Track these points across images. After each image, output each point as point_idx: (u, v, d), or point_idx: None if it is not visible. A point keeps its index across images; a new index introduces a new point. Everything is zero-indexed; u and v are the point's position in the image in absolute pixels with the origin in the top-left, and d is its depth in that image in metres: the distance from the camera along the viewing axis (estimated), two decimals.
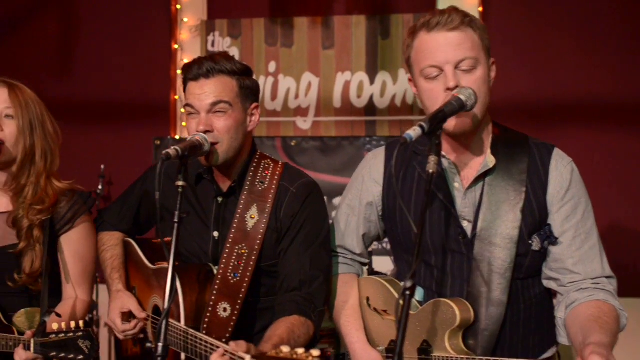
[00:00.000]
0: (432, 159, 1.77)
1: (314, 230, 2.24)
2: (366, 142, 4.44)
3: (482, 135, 2.06)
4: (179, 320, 2.10)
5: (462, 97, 1.89)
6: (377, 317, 2.16)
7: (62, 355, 2.13)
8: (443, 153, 2.05)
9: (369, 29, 4.46)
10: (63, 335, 2.13)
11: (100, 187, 4.58)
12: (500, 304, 1.99)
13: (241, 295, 2.17)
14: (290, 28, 4.55)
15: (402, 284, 1.67)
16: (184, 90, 2.28)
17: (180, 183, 2.01)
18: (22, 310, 2.41)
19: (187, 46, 4.69)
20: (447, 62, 1.94)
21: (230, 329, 2.14)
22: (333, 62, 4.51)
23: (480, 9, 4.34)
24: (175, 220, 1.97)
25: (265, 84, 4.58)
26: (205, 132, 2.17)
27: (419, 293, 2.10)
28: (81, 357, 2.11)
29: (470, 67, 1.95)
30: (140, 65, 4.72)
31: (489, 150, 2.05)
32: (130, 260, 2.51)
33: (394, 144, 2.21)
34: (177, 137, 4.66)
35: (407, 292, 1.63)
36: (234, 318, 2.15)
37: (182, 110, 4.68)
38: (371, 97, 4.47)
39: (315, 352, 1.51)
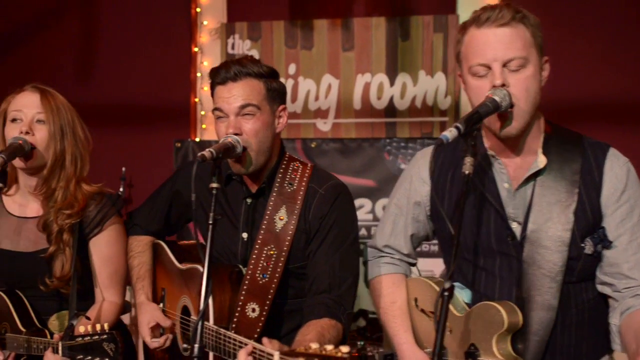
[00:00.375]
0: (468, 160, 1.76)
1: (343, 231, 2.24)
2: (386, 144, 4.45)
3: (532, 134, 1.99)
4: (208, 320, 2.11)
5: (497, 98, 1.87)
6: (425, 319, 2.12)
7: (88, 358, 2.14)
8: (492, 153, 2.00)
9: (389, 31, 4.47)
10: (89, 338, 2.15)
11: (121, 189, 4.61)
12: (551, 308, 1.94)
13: (270, 296, 2.18)
14: (310, 30, 4.56)
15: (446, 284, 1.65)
16: (212, 95, 2.29)
17: (215, 185, 2.02)
18: (55, 314, 2.43)
19: (207, 49, 4.71)
20: (495, 60, 1.89)
21: (258, 330, 2.14)
22: (353, 63, 4.52)
23: None
24: (210, 222, 1.97)
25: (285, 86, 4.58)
26: (235, 134, 2.17)
27: (466, 295, 2.06)
28: (106, 359, 2.13)
29: (519, 66, 1.89)
30: (161, 68, 4.75)
31: (540, 150, 1.99)
32: (160, 262, 2.53)
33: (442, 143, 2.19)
34: (197, 139, 4.68)
35: (446, 293, 1.63)
36: (262, 319, 2.16)
37: (202, 112, 4.71)
38: (391, 99, 4.47)
39: (344, 348, 1.51)
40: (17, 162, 2.31)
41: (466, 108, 4.44)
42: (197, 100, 4.71)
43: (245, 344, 1.93)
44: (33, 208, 2.44)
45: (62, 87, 5.19)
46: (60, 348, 2.18)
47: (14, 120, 2.36)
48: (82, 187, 2.42)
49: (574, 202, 1.95)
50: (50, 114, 2.36)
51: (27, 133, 2.32)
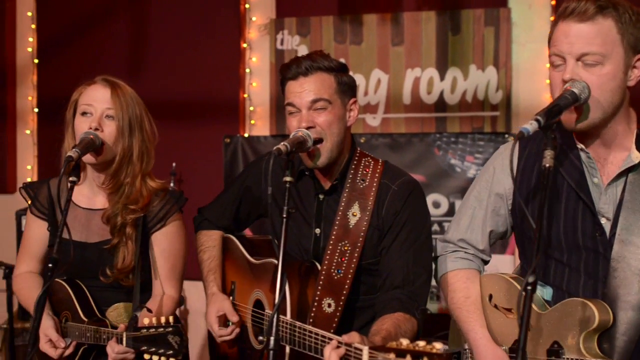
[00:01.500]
0: (549, 153, 1.74)
1: (417, 228, 2.25)
2: (436, 139, 4.42)
3: (623, 130, 1.97)
4: (285, 314, 2.13)
5: (576, 91, 1.84)
6: (500, 316, 2.09)
7: (152, 349, 2.15)
8: (581, 146, 1.98)
9: (439, 25, 4.43)
10: (154, 330, 2.16)
11: (171, 184, 4.66)
12: None
13: (344, 292, 2.19)
14: (359, 25, 4.54)
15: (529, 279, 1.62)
16: (283, 92, 2.32)
17: (288, 179, 2.04)
18: (115, 305, 2.46)
19: (256, 45, 4.73)
20: (570, 53, 1.88)
21: (334, 325, 2.16)
22: (402, 58, 4.49)
23: (553, 2, 4.28)
24: (284, 215, 1.99)
25: None
26: (308, 128, 2.20)
27: (547, 292, 2.03)
28: (170, 352, 2.13)
29: (595, 62, 1.86)
30: (210, 64, 4.77)
31: (633, 146, 1.96)
32: (230, 257, 2.55)
33: (528, 137, 2.15)
34: (245, 135, 4.70)
35: (529, 288, 1.61)
36: (337, 314, 2.18)
37: (251, 108, 4.73)
38: (441, 93, 4.44)
39: (438, 345, 1.48)
40: (87, 157, 2.35)
41: (517, 102, 4.39)
42: (246, 96, 4.73)
43: (327, 338, 1.94)
44: (100, 200, 2.49)
45: None
46: (124, 339, 2.21)
47: (84, 113, 2.40)
48: (147, 183, 2.45)
49: None
50: (120, 110, 2.39)
51: (96, 129, 2.36)
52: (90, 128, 2.35)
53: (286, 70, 2.27)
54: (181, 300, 4.59)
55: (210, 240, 2.57)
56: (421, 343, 1.51)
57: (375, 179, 2.29)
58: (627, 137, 1.97)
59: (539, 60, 4.36)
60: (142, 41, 4.90)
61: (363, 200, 2.26)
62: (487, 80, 4.37)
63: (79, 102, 2.42)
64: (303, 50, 4.60)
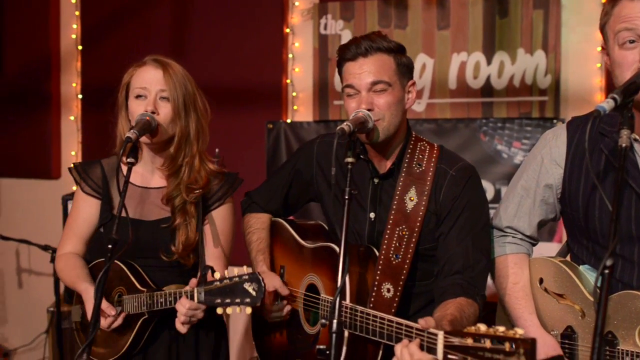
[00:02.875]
0: (625, 132, 1.68)
1: (476, 214, 2.21)
2: (482, 124, 4.35)
3: None
4: (344, 299, 2.10)
5: None
6: (551, 301, 2.09)
7: (228, 301, 2.06)
8: (635, 136, 1.92)
9: (486, 8, 4.35)
10: (228, 280, 2.07)
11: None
12: None
13: (402, 277, 2.16)
14: (404, 9, 4.48)
15: (604, 262, 1.56)
16: (340, 73, 2.28)
17: (350, 159, 2.01)
18: (168, 286, 2.45)
19: (299, 30, 4.69)
20: None
21: (393, 310, 2.13)
22: (448, 42, 4.42)
23: None
24: (346, 197, 1.96)
25: None
26: (368, 110, 2.16)
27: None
28: (248, 300, 2.04)
29: None
30: (252, 49, 4.75)
31: None
32: (279, 240, 2.53)
33: (575, 122, 2.11)
34: (288, 120, 4.68)
35: (606, 271, 1.56)
36: (396, 299, 2.15)
37: (294, 94, 4.70)
38: (488, 78, 4.35)
39: (520, 330, 1.43)
40: (143, 139, 2.34)
41: (566, 87, 4.29)
42: (288, 81, 4.70)
43: (395, 322, 1.91)
44: (156, 179, 2.49)
45: None
46: (196, 295, 2.16)
47: (138, 96, 2.39)
48: (205, 162, 2.44)
49: None
50: (174, 90, 2.38)
51: (152, 112, 2.35)
52: (147, 111, 2.34)
53: (344, 51, 2.23)
54: None
55: (258, 223, 2.57)
56: (501, 328, 1.47)
57: (432, 164, 2.25)
58: None
59: (589, 44, 4.25)
60: (184, 27, 4.90)
61: (420, 185, 2.22)
62: (536, 65, 4.28)
63: (132, 84, 2.41)
64: (347, 35, 4.56)
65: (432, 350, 1.68)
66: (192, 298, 2.18)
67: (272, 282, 2.37)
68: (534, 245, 2.27)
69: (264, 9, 4.74)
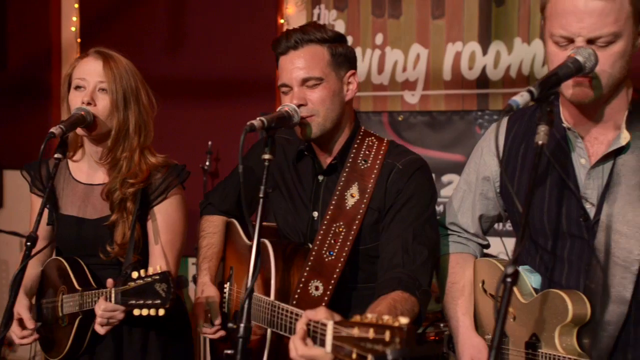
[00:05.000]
0: (542, 128, 1.56)
1: (419, 205, 2.09)
2: (478, 117, 4.19)
3: (616, 106, 1.79)
4: (269, 296, 2.03)
5: (580, 58, 1.65)
6: (490, 303, 1.99)
7: (140, 302, 2.03)
8: (568, 125, 1.82)
9: None
10: (141, 280, 2.04)
11: (207, 163, 4.63)
12: (623, 301, 1.74)
13: (335, 275, 2.06)
14: None
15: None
16: (277, 69, 2.20)
17: (267, 156, 1.92)
18: None
19: (293, 20, 4.60)
20: (580, 36, 1.68)
21: None
22: (443, 32, 4.27)
23: None
24: (261, 195, 1.88)
25: (372, 57, 4.42)
26: (299, 105, 2.07)
27: (536, 280, 1.91)
28: (158, 301, 2.01)
29: (607, 43, 1.68)
30: (247, 40, 4.69)
31: (624, 125, 1.78)
32: (231, 241, 2.47)
33: (517, 114, 1.98)
34: None
35: (508, 280, 1.44)
36: (325, 298, 2.04)
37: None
38: (484, 69, 4.19)
39: (403, 319, 1.37)
40: (80, 131, 2.30)
41: None
42: None
43: (297, 314, 1.83)
44: (99, 176, 2.44)
45: (150, 62, 5.22)
46: (112, 295, 2.11)
47: (77, 87, 2.35)
48: (146, 157, 2.39)
49: None
50: (113, 82, 2.33)
51: (89, 103, 2.31)
52: (83, 102, 2.30)
53: (276, 45, 2.15)
54: (185, 282, 4.54)
55: (211, 227, 2.48)
56: (386, 317, 1.41)
57: (379, 160, 2.15)
58: (619, 115, 1.80)
59: None
60: (181, 19, 4.87)
61: (364, 181, 2.13)
62: (533, 54, 4.10)
63: (72, 76, 2.37)
64: (340, 25, 4.46)
65: (324, 342, 1.56)
66: (110, 299, 2.13)
67: (209, 302, 2.29)
68: (483, 246, 2.18)
69: (259, 0, 4.67)
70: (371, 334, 1.40)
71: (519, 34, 4.13)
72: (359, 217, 2.10)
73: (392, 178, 2.12)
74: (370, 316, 1.43)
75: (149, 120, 2.41)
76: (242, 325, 1.75)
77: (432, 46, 4.30)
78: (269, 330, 2.00)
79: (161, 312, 2.00)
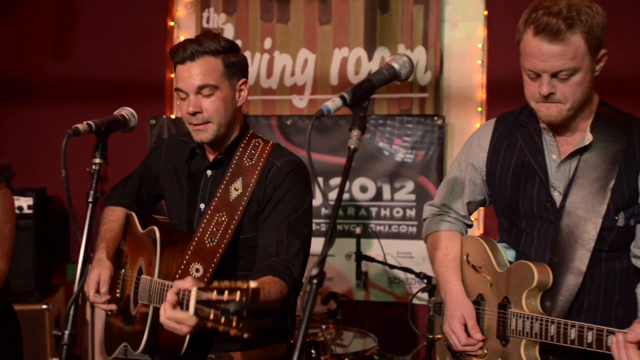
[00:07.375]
0: (355, 133, 1.61)
1: (294, 201, 2.28)
2: None
3: (583, 115, 2.13)
4: (153, 276, 2.19)
5: (395, 66, 1.73)
6: (472, 272, 2.35)
7: None
8: (544, 127, 2.18)
9: (367, 3, 4.28)
10: None
11: (94, 167, 4.53)
12: (579, 273, 2.09)
13: (215, 260, 2.21)
14: (286, 3, 4.39)
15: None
16: (174, 73, 2.34)
17: (97, 160, 1.93)
18: None
19: (183, 23, 4.58)
20: (545, 71, 2.00)
21: None
22: (330, 37, 4.34)
23: None
24: (90, 200, 1.88)
25: (260, 61, 4.44)
26: (195, 113, 2.23)
27: (511, 254, 2.28)
28: None
29: (568, 75, 2.00)
30: (136, 43, 4.63)
31: (588, 129, 2.13)
32: (129, 232, 2.58)
33: (504, 115, 2.35)
34: (172, 116, 4.57)
35: (315, 281, 1.48)
36: (205, 280, 2.18)
37: None
38: (369, 74, 4.26)
39: (253, 283, 1.60)
40: None
41: (448, 84, 4.24)
42: (172, 76, 4.58)
43: (170, 286, 2.00)
44: None
45: (38, 64, 5.10)
46: None
47: None
48: None
49: (613, 179, 2.08)
50: None
51: None
52: None
53: (174, 54, 2.27)
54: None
55: (112, 215, 2.61)
56: (239, 282, 1.64)
57: (262, 159, 2.34)
58: (585, 121, 2.15)
59: (471, 40, 4.21)
60: (66, 20, 4.75)
61: (247, 177, 2.32)
62: (416, 61, 4.22)
63: None
64: (229, 30, 4.46)
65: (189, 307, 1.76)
66: None
67: (102, 272, 2.37)
68: (468, 226, 2.51)
69: (148, 2, 4.61)
70: (226, 296, 1.62)
71: (403, 41, 4.24)
72: (240, 208, 2.28)
73: (271, 175, 2.32)
74: (226, 282, 1.66)
75: None
76: (67, 332, 1.74)
77: (320, 51, 4.36)
78: (151, 307, 2.14)
79: None
